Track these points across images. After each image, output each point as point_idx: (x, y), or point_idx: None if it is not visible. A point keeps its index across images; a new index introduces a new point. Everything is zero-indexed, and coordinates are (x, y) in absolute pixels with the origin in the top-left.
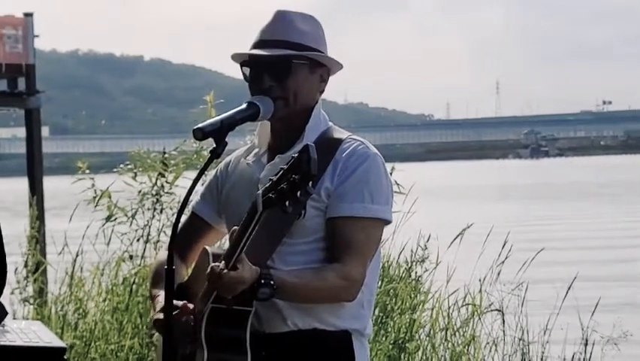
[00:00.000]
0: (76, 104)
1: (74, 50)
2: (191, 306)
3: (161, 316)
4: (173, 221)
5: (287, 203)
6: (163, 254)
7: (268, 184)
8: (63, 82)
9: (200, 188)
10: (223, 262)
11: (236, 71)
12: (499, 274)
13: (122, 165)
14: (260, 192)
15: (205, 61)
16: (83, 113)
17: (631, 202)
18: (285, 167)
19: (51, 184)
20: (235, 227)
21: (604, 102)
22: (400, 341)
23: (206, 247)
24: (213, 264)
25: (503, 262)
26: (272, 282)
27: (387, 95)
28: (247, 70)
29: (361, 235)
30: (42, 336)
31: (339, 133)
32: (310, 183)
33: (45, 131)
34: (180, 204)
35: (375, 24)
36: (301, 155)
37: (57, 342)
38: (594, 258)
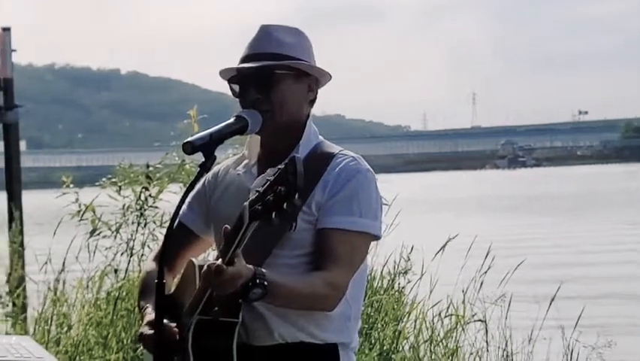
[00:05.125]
0: (52, 118)
1: (51, 64)
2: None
3: (147, 330)
4: (161, 235)
5: (273, 215)
6: (150, 265)
7: (255, 196)
8: (40, 96)
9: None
10: (220, 259)
11: (212, 84)
12: (481, 284)
13: (104, 179)
14: (246, 203)
15: (181, 74)
16: (59, 127)
17: (609, 213)
18: (271, 179)
19: (29, 199)
20: (227, 225)
21: (580, 112)
22: (385, 353)
23: (193, 259)
24: (210, 262)
25: (486, 272)
26: (265, 282)
27: (364, 106)
28: (236, 86)
29: (347, 248)
30: (33, 351)
31: (331, 148)
32: (296, 195)
33: (22, 145)
34: (171, 217)
35: (352, 35)
36: (287, 167)
37: (48, 357)
38: (577, 270)
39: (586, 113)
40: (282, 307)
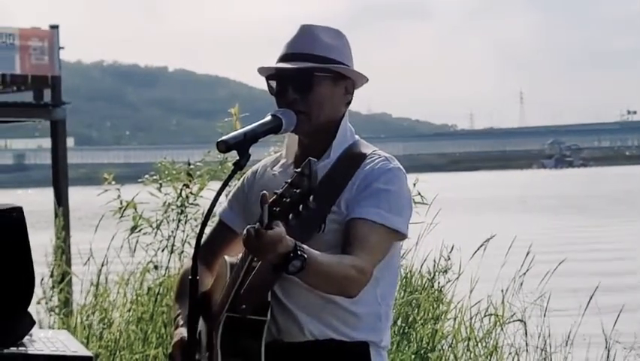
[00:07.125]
0: (100, 115)
1: (99, 61)
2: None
3: (177, 352)
4: (198, 232)
5: (290, 216)
6: (189, 263)
7: (273, 198)
8: (88, 93)
9: (227, 197)
10: (257, 223)
11: (260, 82)
12: (521, 284)
13: (146, 176)
14: (266, 205)
15: (229, 71)
16: (107, 124)
17: None
18: (289, 181)
19: (76, 195)
20: (264, 192)
21: (628, 112)
22: (422, 352)
23: (225, 257)
24: (249, 226)
25: (525, 272)
26: (305, 255)
27: (410, 105)
28: (273, 83)
29: (373, 237)
30: (69, 345)
31: (365, 148)
32: (312, 197)
33: (70, 142)
34: (204, 214)
35: (399, 33)
36: (303, 170)
37: (84, 351)
38: (617, 271)
39: (634, 112)
40: (310, 287)
